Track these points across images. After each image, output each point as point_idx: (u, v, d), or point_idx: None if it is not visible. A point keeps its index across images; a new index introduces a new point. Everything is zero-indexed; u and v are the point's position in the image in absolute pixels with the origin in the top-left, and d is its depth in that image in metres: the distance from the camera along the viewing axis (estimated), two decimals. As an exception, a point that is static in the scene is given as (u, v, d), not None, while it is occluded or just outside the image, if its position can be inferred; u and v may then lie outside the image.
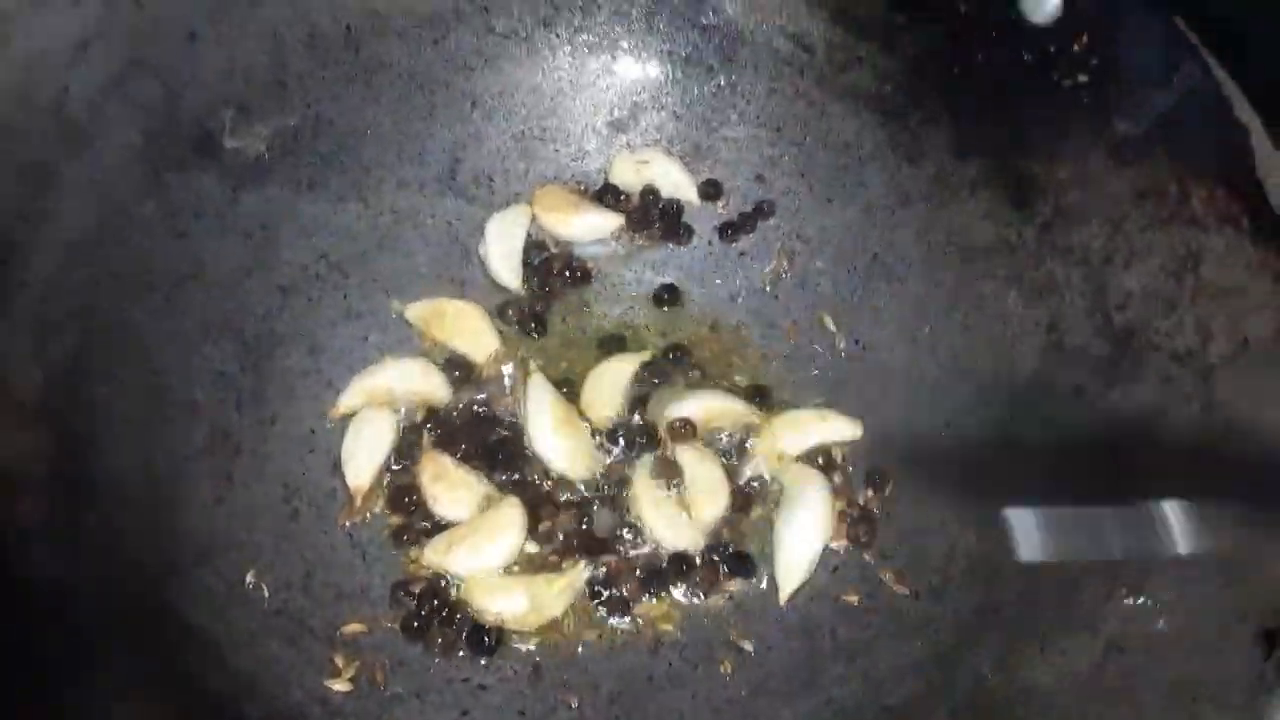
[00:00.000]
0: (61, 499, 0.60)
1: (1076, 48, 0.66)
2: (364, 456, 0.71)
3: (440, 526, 0.69)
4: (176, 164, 0.70)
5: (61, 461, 0.61)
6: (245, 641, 0.64)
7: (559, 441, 0.71)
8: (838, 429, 0.73)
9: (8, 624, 0.54)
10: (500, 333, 0.76)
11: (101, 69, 0.65)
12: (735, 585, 0.69)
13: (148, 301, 0.68)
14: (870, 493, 0.71)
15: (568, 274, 0.78)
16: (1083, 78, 0.66)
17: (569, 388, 0.74)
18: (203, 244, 0.71)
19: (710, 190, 0.80)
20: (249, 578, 0.66)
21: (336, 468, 0.71)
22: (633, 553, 0.70)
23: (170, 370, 0.69)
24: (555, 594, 0.67)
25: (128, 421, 0.66)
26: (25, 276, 0.62)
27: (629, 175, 0.80)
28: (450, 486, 0.70)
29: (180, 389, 0.69)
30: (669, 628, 0.68)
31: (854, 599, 0.68)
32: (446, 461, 0.70)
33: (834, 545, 0.70)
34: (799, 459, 0.72)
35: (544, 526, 0.70)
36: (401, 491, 0.70)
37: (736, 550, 0.70)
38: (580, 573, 0.68)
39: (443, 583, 0.68)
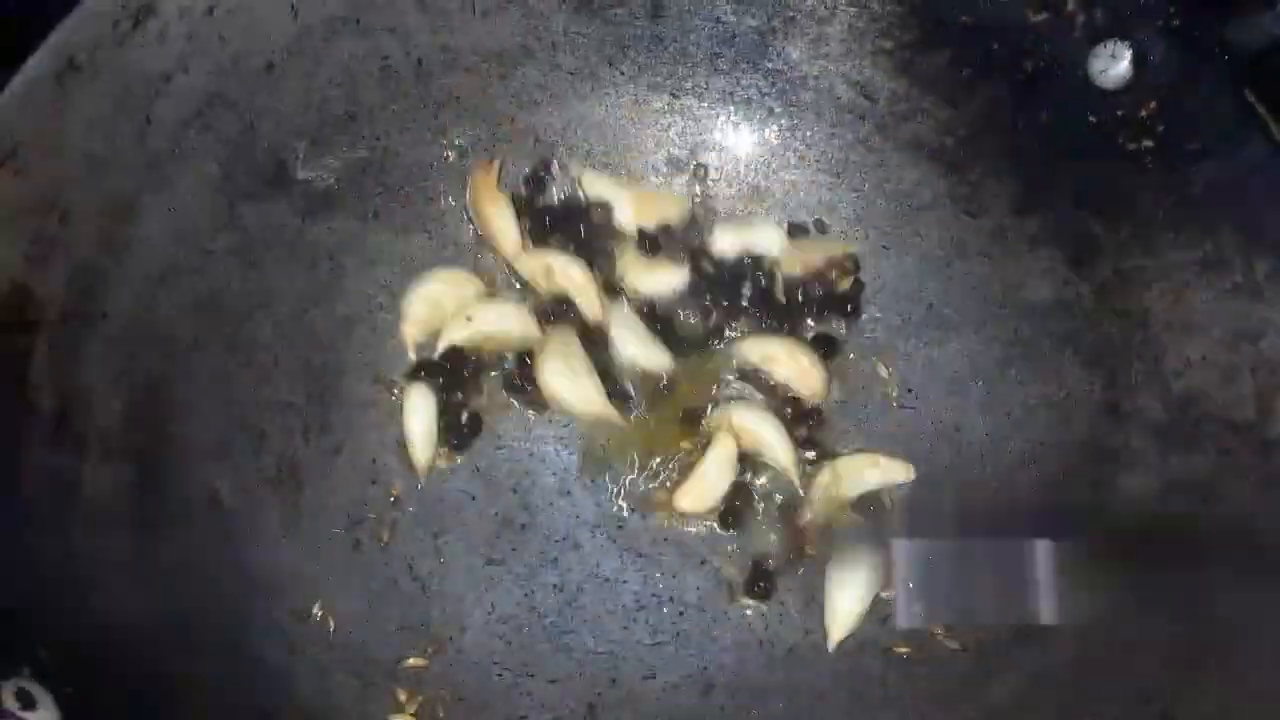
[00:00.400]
0: (140, 532, 0.61)
1: (1144, 113, 0.67)
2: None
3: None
4: (250, 195, 0.71)
5: (140, 495, 0.62)
6: (312, 674, 0.65)
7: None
8: (892, 472, 0.74)
9: (91, 658, 0.55)
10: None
11: (183, 101, 0.66)
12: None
13: (221, 332, 0.69)
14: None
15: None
16: (1148, 143, 0.67)
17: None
18: (272, 274, 0.72)
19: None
20: (315, 610, 0.67)
21: (398, 501, 0.72)
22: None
23: (241, 401, 0.70)
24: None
25: (201, 452, 0.67)
26: (107, 307, 0.63)
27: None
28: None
29: (250, 419, 0.70)
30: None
31: (904, 650, 0.69)
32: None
33: (885, 595, 0.71)
34: (853, 505, 0.73)
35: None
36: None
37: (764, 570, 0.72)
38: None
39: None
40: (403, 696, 0.67)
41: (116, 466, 0.62)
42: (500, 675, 0.69)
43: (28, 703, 0.50)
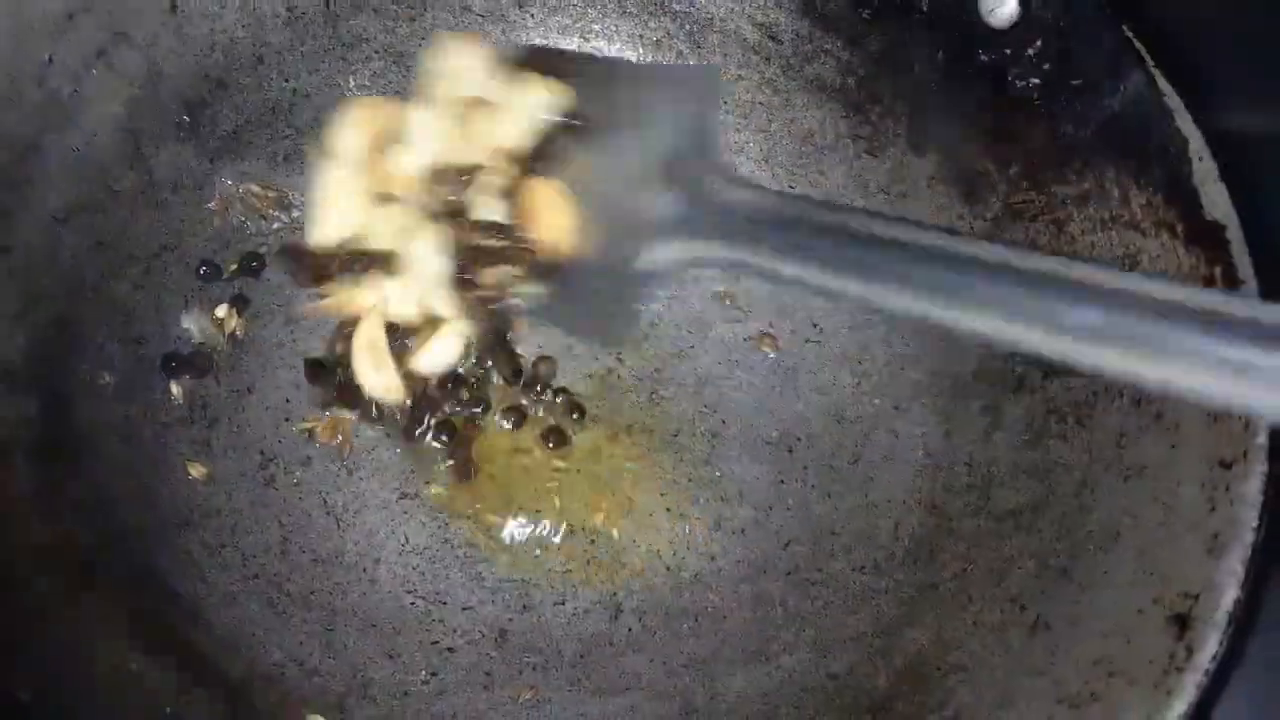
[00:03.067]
0: (48, 465, 0.62)
1: (1030, 51, 0.69)
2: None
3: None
4: (156, 137, 0.71)
5: (47, 428, 0.63)
6: (226, 604, 0.67)
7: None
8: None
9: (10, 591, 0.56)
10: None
11: (86, 41, 0.67)
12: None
13: (128, 272, 0.70)
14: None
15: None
16: (1035, 80, 0.69)
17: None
18: (181, 215, 0.73)
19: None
20: (227, 542, 0.69)
21: (311, 435, 0.74)
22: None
23: (150, 339, 0.71)
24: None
25: (109, 389, 0.68)
26: (10, 243, 0.64)
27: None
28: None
29: (158, 359, 0.71)
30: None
31: (805, 573, 0.72)
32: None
33: (776, 527, 0.74)
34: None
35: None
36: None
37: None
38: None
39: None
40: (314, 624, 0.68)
41: (21, 399, 0.63)
42: (414, 604, 0.71)
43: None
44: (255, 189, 0.76)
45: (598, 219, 0.63)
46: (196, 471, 0.70)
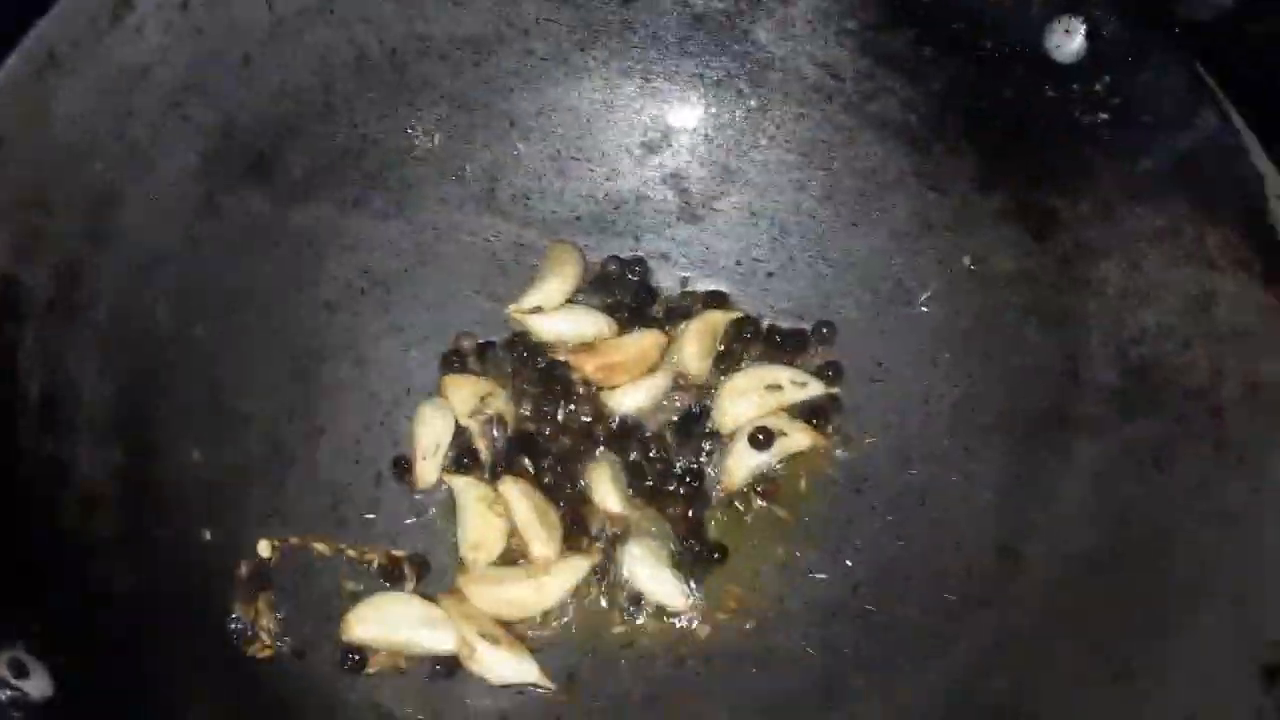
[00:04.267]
0: (133, 513, 0.64)
1: (1099, 87, 0.68)
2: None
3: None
4: (230, 185, 0.72)
5: (131, 476, 0.65)
6: (293, 658, 0.67)
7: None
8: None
9: (85, 630, 0.57)
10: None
11: (161, 93, 0.68)
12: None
13: (205, 318, 0.71)
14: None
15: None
16: (1104, 116, 0.68)
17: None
18: (254, 262, 0.74)
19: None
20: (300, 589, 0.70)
21: (380, 479, 0.74)
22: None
23: (226, 385, 0.72)
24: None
25: (189, 434, 0.69)
26: (94, 296, 0.65)
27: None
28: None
29: (236, 402, 0.72)
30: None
31: (875, 617, 0.71)
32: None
33: (846, 568, 0.73)
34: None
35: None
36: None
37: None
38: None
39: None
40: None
41: (106, 450, 0.64)
42: (483, 646, 0.71)
43: (20, 672, 0.52)
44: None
45: None
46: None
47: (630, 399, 0.78)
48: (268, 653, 0.68)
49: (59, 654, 0.54)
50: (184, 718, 0.60)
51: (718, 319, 0.80)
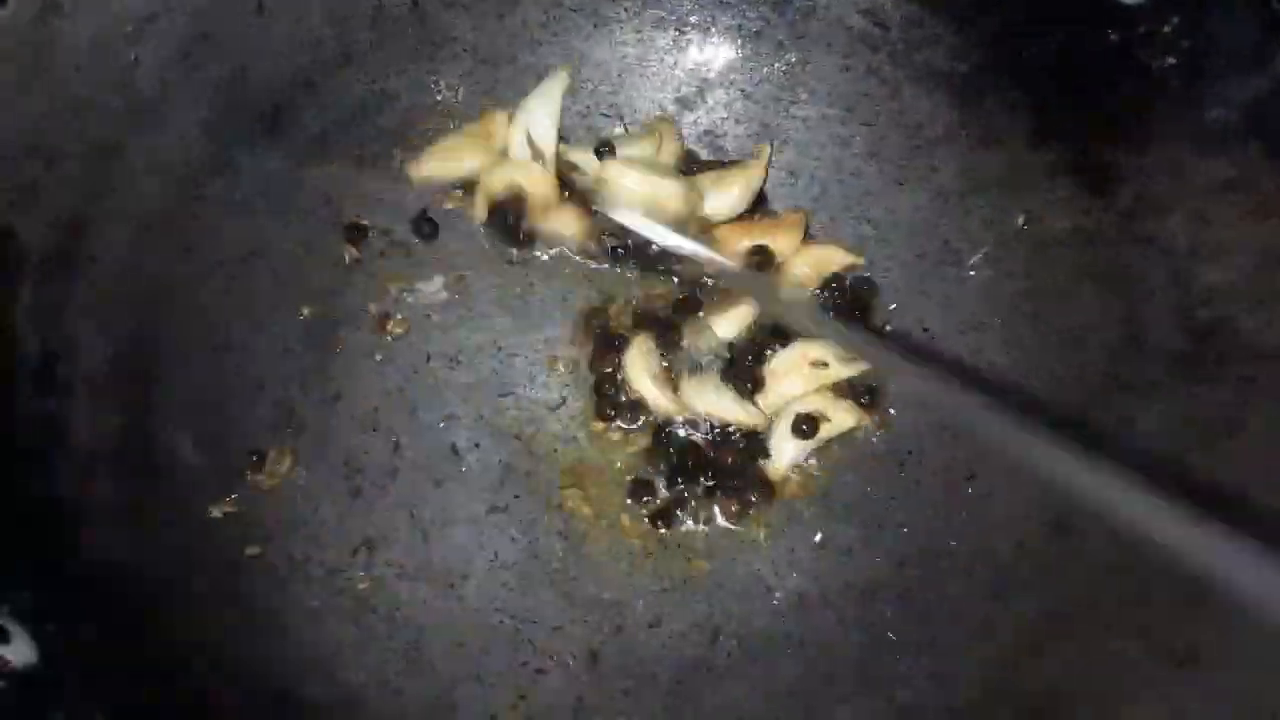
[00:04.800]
0: (129, 478, 0.61)
1: (1167, 29, 0.63)
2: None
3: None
4: (243, 140, 0.70)
5: (130, 439, 0.62)
6: (308, 620, 0.65)
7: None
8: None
9: (76, 598, 0.55)
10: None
11: (169, 43, 0.65)
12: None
13: (214, 278, 0.69)
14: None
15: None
16: (1171, 60, 0.64)
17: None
18: (267, 221, 0.71)
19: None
20: (310, 555, 0.67)
21: (398, 448, 0.71)
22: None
23: (236, 347, 0.69)
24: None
25: (194, 399, 0.66)
26: (96, 252, 0.63)
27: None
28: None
29: (246, 366, 0.69)
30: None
31: (919, 597, 0.67)
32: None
33: (887, 546, 0.69)
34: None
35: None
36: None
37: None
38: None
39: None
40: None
41: (105, 413, 0.62)
42: (502, 622, 0.68)
43: (2, 637, 0.50)
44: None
45: None
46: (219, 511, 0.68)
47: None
48: (274, 482, 0.67)
49: (47, 622, 0.52)
50: (179, 693, 0.57)
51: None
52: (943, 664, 0.64)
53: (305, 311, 0.72)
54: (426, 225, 0.75)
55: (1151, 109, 0.65)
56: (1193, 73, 0.63)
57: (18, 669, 0.50)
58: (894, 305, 0.75)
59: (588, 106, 0.79)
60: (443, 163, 0.76)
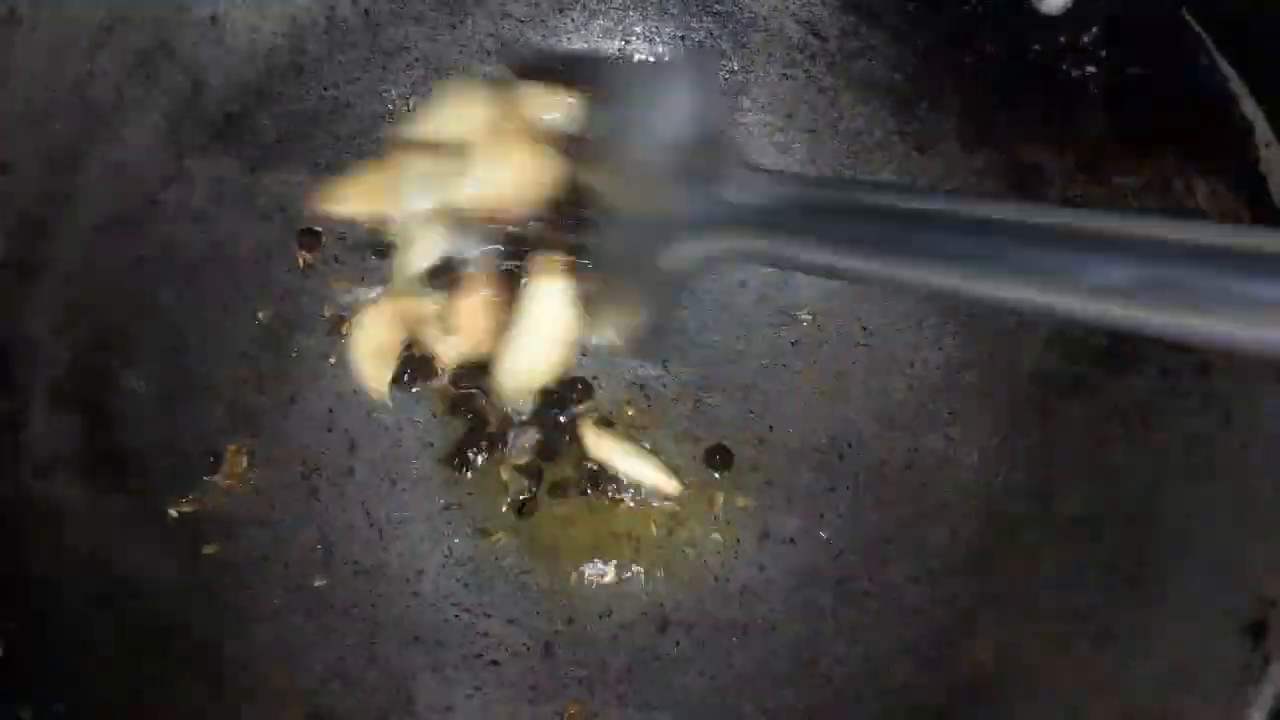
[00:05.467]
0: (91, 479, 0.62)
1: (1086, 39, 0.66)
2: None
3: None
4: (198, 148, 0.71)
5: (91, 443, 0.63)
6: (269, 616, 0.66)
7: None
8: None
9: (40, 596, 0.56)
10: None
11: (126, 52, 0.66)
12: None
13: (171, 282, 0.70)
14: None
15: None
16: (1091, 69, 0.67)
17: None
18: (223, 226, 0.72)
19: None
20: (271, 554, 0.68)
21: (354, 448, 0.73)
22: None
23: (193, 350, 0.70)
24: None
25: (152, 402, 0.67)
26: (53, 258, 0.64)
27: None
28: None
29: (203, 370, 0.70)
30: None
31: (856, 583, 0.69)
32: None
33: (826, 535, 0.72)
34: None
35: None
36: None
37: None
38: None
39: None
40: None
41: (63, 414, 0.63)
42: (458, 616, 0.70)
43: (-37, 635, 0.51)
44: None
45: (618, 223, 0.63)
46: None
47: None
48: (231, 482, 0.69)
49: (10, 619, 0.53)
50: (142, 687, 0.59)
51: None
52: (878, 647, 0.67)
53: (261, 315, 0.73)
54: (381, 247, 0.76)
55: (1073, 114, 0.68)
56: (1111, 80, 0.66)
57: (-18, 663, 0.51)
58: (832, 305, 0.77)
59: (537, 114, 0.81)
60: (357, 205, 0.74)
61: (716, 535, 0.73)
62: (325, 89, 0.76)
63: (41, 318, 0.63)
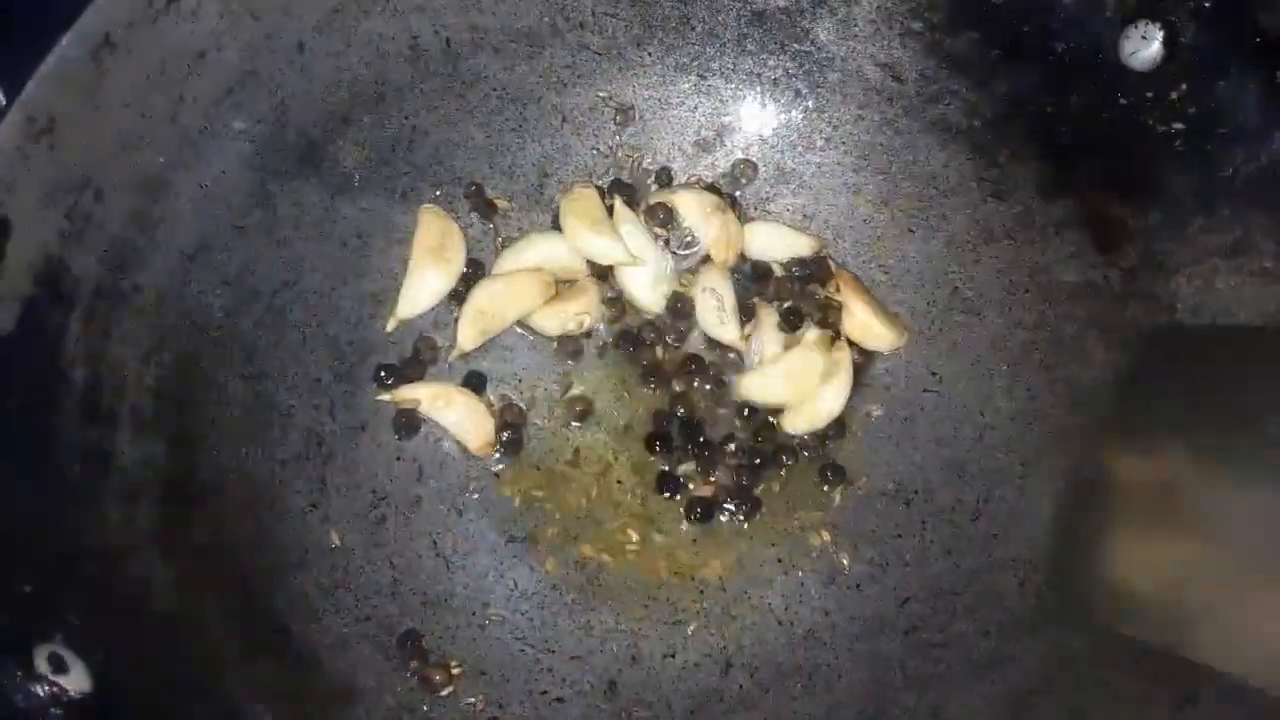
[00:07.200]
0: (171, 505, 0.63)
1: (1174, 95, 0.66)
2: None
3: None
4: (281, 173, 0.71)
5: (173, 468, 0.64)
6: (338, 646, 0.67)
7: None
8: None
9: (123, 626, 0.56)
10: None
11: (216, 79, 0.67)
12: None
13: (252, 308, 0.70)
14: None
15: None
16: (1179, 126, 0.66)
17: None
18: (302, 252, 0.73)
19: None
20: (340, 583, 0.69)
21: (421, 476, 0.73)
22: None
23: (269, 376, 0.71)
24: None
25: (230, 427, 0.68)
26: (140, 282, 0.64)
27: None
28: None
29: (278, 395, 0.71)
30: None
31: (925, 634, 0.69)
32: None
33: (893, 583, 0.71)
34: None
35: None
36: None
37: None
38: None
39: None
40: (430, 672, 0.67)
41: (148, 441, 0.63)
42: (523, 651, 0.70)
43: (59, 667, 0.51)
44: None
45: None
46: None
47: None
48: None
49: (98, 650, 0.53)
50: (229, 713, 0.59)
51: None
52: (947, 700, 0.67)
53: (336, 341, 0.74)
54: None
55: (1157, 171, 0.68)
56: (1199, 138, 0.66)
57: (74, 698, 0.51)
58: (905, 350, 0.77)
59: (610, 147, 0.81)
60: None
61: (782, 578, 0.72)
62: (405, 117, 0.76)
63: (130, 345, 0.63)
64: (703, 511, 0.73)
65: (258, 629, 0.64)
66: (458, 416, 0.74)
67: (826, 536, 0.74)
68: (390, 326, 0.75)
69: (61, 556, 0.57)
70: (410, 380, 0.75)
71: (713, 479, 0.75)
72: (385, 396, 0.74)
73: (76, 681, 0.52)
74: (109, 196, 0.62)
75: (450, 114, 0.77)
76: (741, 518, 0.74)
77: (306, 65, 0.71)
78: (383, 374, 0.75)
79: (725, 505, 0.74)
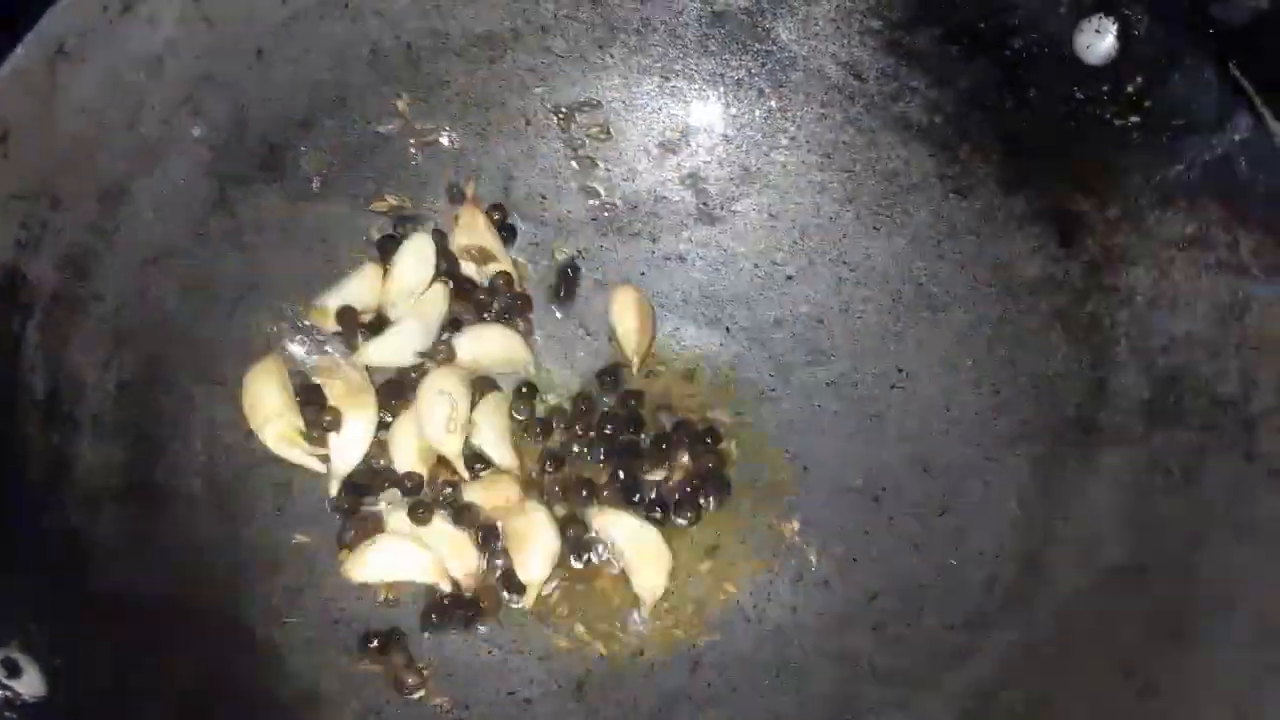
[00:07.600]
0: (135, 511, 0.62)
1: (1130, 89, 0.66)
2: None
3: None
4: (242, 179, 0.71)
5: (134, 473, 0.64)
6: (304, 649, 0.66)
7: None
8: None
9: (85, 631, 0.56)
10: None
11: (174, 86, 0.67)
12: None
13: (213, 314, 0.70)
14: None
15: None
16: (1135, 119, 0.67)
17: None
18: (265, 258, 0.73)
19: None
20: (308, 585, 0.68)
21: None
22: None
23: (233, 381, 0.70)
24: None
25: (193, 432, 0.68)
26: (100, 289, 0.64)
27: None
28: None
29: (241, 399, 0.71)
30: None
31: (893, 628, 0.69)
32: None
33: (862, 578, 0.71)
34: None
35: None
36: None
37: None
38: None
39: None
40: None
41: (110, 446, 0.63)
42: (490, 652, 0.70)
43: (13, 671, 0.51)
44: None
45: None
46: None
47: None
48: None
49: (55, 655, 0.53)
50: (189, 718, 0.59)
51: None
52: (916, 694, 0.67)
53: (299, 346, 0.74)
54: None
55: (1116, 164, 0.68)
56: (1155, 131, 0.66)
57: (28, 702, 0.51)
58: (867, 346, 0.77)
59: (574, 149, 0.81)
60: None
61: (749, 576, 0.73)
62: (368, 122, 0.76)
63: (89, 350, 0.63)
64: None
65: (223, 632, 0.64)
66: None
67: (795, 533, 0.74)
68: (333, 491, 0.72)
69: (19, 563, 0.56)
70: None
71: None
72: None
73: (30, 685, 0.52)
74: (66, 204, 0.62)
75: (413, 119, 0.77)
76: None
77: (265, 71, 0.71)
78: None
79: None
